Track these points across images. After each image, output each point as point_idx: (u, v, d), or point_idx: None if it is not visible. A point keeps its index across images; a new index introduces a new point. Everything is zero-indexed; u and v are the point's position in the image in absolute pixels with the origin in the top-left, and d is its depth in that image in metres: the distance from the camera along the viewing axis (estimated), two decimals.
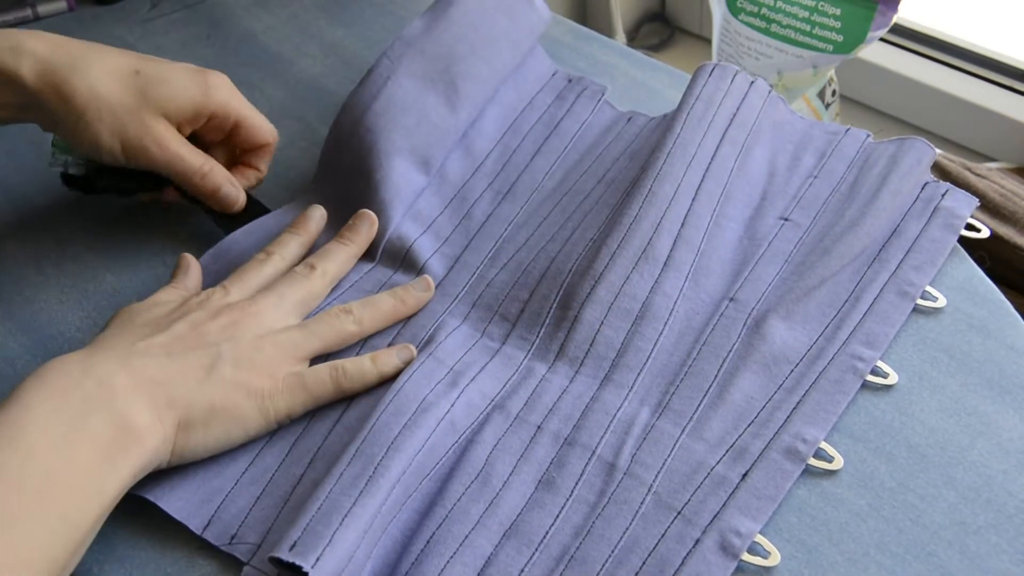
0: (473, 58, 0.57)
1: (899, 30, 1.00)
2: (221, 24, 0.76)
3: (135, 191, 0.57)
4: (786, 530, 0.40)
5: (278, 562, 0.38)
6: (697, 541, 0.40)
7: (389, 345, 0.48)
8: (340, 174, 0.56)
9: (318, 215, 0.54)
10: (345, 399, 0.46)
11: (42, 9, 0.77)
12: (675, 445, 0.43)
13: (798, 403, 0.44)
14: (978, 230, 0.51)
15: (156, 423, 0.40)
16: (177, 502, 0.42)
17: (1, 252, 0.57)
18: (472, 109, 0.58)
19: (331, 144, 0.57)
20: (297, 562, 0.37)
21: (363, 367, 0.46)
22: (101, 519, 0.39)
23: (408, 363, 0.46)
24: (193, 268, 0.50)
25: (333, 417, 0.45)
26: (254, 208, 0.56)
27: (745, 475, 0.41)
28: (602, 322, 0.47)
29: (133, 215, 0.58)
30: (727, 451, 0.42)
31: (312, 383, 0.45)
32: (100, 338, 0.44)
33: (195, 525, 0.42)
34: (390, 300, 0.49)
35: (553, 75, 0.63)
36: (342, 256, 0.51)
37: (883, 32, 0.75)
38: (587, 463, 0.43)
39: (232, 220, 0.55)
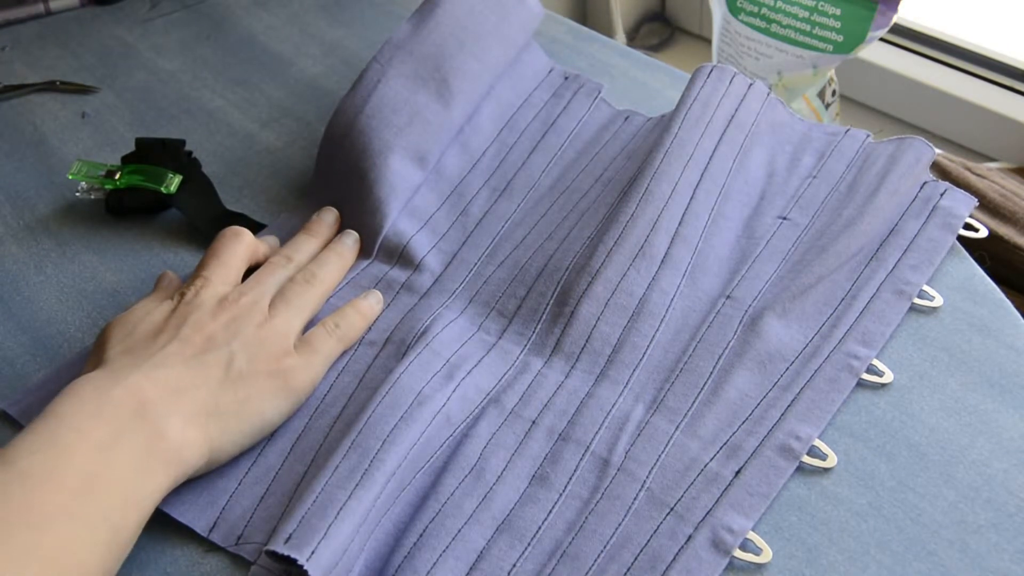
0: (463, 55, 0.58)
1: (899, 30, 1.00)
2: (221, 24, 0.76)
3: (155, 209, 0.58)
4: (786, 529, 0.40)
5: (274, 555, 0.38)
6: (689, 537, 0.40)
7: (387, 341, 0.49)
8: (335, 178, 0.57)
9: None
10: (344, 396, 0.46)
11: (54, 4, 0.77)
12: (669, 442, 0.43)
13: (792, 401, 0.44)
14: (976, 230, 0.51)
15: (188, 431, 0.41)
16: (181, 506, 0.42)
17: (1, 252, 0.57)
18: (466, 105, 0.58)
19: (324, 149, 0.57)
20: (292, 555, 0.37)
21: (350, 318, 0.49)
22: (140, 527, 0.39)
23: (380, 302, 0.50)
24: (175, 283, 0.51)
25: (333, 414, 0.46)
26: (247, 226, 0.56)
27: (738, 472, 0.41)
28: (598, 318, 0.47)
29: (133, 216, 0.58)
30: (721, 448, 0.42)
31: (319, 344, 0.47)
32: (109, 356, 0.43)
33: (200, 527, 0.42)
34: (332, 254, 0.52)
35: (550, 72, 0.63)
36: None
37: (883, 32, 0.75)
38: (581, 459, 0.43)
39: None
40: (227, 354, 0.43)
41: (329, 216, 0.54)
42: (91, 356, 0.45)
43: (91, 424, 0.38)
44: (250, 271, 0.50)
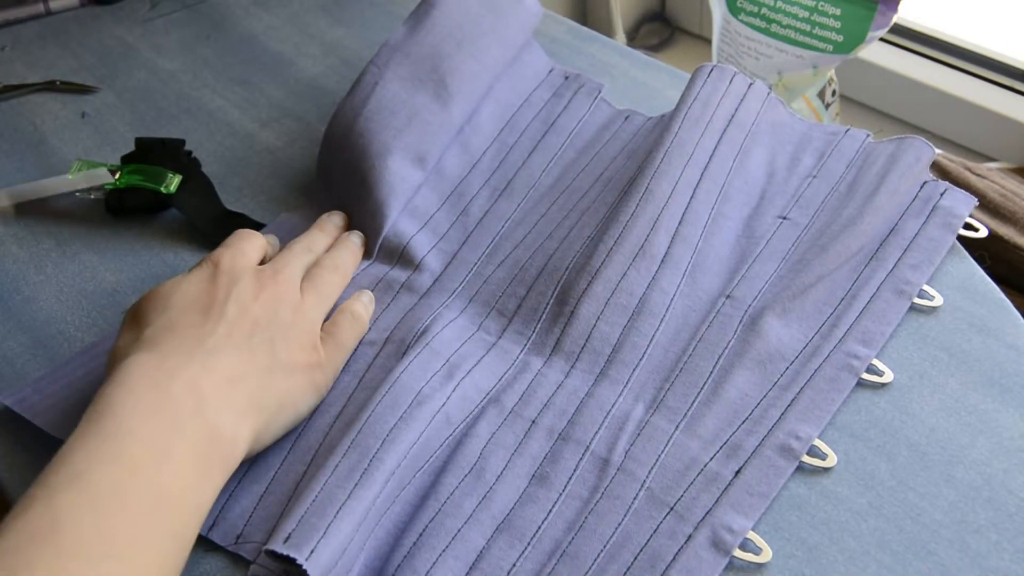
0: (460, 55, 0.58)
1: (899, 30, 1.00)
2: (221, 24, 0.76)
3: (155, 209, 0.58)
4: (786, 528, 0.40)
5: (273, 554, 0.38)
6: (689, 537, 0.40)
7: (387, 340, 0.49)
8: (335, 181, 0.57)
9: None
10: (343, 395, 0.46)
11: (54, 4, 0.77)
12: (669, 441, 0.43)
13: (792, 400, 0.44)
14: (976, 229, 0.51)
15: (240, 427, 0.40)
16: None
17: (1, 252, 0.57)
18: (465, 104, 0.58)
19: (324, 153, 0.58)
20: (291, 554, 0.37)
21: (356, 310, 0.49)
22: (198, 530, 0.38)
23: (372, 302, 0.50)
24: None
25: (333, 413, 0.46)
26: (247, 226, 0.56)
27: (738, 472, 0.41)
28: (598, 318, 0.47)
29: (133, 216, 0.58)
30: (721, 448, 0.42)
31: (342, 337, 0.47)
32: (151, 334, 0.41)
33: (201, 526, 0.42)
34: (345, 249, 0.52)
35: (550, 72, 0.63)
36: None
37: (883, 32, 0.75)
38: (581, 458, 0.43)
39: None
40: (270, 339, 0.43)
41: (338, 218, 0.55)
42: (125, 332, 0.43)
43: (153, 429, 0.37)
44: None
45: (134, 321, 0.43)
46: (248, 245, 0.48)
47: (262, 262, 0.50)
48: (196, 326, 0.42)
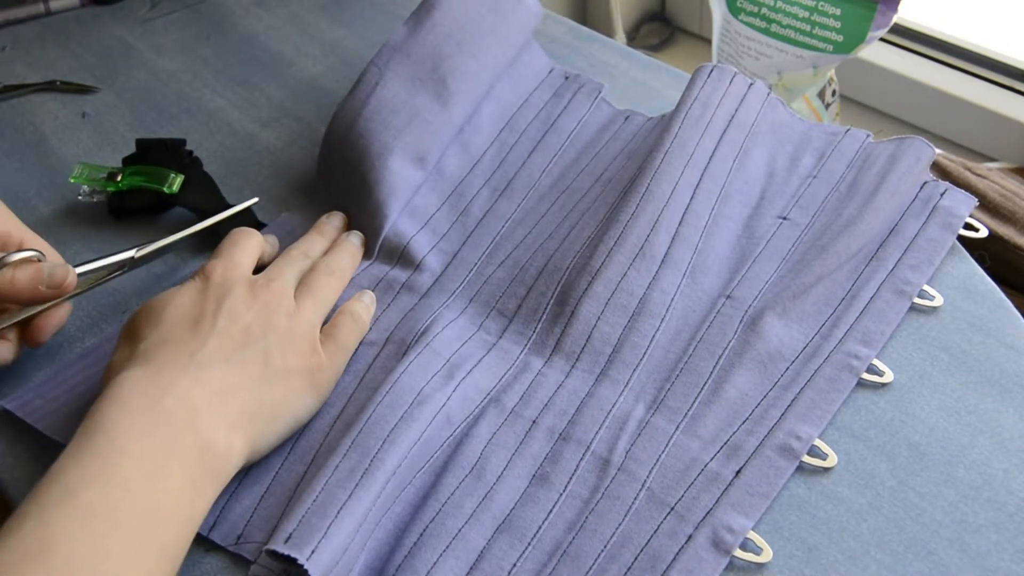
0: (461, 55, 0.58)
1: (899, 30, 1.00)
2: (221, 24, 0.76)
3: (157, 210, 0.58)
4: (786, 528, 0.40)
5: (274, 554, 0.38)
6: (689, 537, 0.40)
7: (387, 341, 0.49)
8: (335, 181, 0.57)
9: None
10: (344, 396, 0.46)
11: (54, 4, 0.77)
12: (669, 441, 0.43)
13: (793, 401, 0.44)
14: (976, 229, 0.51)
15: (233, 438, 0.40)
16: None
17: None
18: (465, 104, 0.58)
19: (324, 153, 0.58)
20: (292, 554, 0.37)
21: (357, 310, 0.49)
22: (188, 545, 0.38)
23: (373, 302, 0.50)
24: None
25: (333, 413, 0.46)
26: (252, 224, 0.56)
27: (738, 472, 0.42)
28: (599, 318, 0.47)
29: (134, 215, 0.58)
30: (721, 448, 0.43)
31: (343, 338, 0.47)
32: (145, 348, 0.42)
33: (201, 527, 0.42)
34: (343, 251, 0.52)
35: (550, 72, 0.63)
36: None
37: (883, 32, 0.75)
38: (581, 458, 0.43)
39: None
40: (263, 349, 0.43)
41: (336, 219, 0.55)
42: (121, 347, 0.44)
43: (145, 446, 0.38)
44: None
45: (128, 335, 0.44)
46: (241, 254, 0.48)
47: (261, 264, 0.51)
48: (188, 339, 0.42)
